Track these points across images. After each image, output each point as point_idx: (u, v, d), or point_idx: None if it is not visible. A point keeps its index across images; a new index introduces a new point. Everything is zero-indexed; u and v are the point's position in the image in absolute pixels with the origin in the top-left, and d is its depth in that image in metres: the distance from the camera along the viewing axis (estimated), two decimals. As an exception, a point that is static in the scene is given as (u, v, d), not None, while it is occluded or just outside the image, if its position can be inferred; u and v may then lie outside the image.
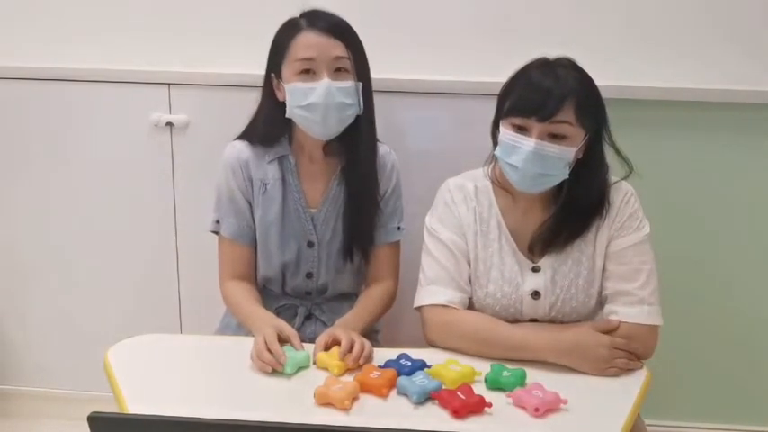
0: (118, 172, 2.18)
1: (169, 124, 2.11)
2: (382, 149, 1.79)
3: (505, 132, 1.54)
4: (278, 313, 1.76)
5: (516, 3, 1.99)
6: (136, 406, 1.34)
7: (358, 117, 1.70)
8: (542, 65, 1.56)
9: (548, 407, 1.33)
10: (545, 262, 1.61)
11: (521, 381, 1.41)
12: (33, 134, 2.18)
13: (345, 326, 1.60)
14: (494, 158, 1.64)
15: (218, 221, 1.77)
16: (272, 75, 1.71)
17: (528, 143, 1.50)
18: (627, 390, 1.43)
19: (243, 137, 1.77)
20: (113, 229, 2.23)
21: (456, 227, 1.63)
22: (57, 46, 2.10)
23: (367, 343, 1.51)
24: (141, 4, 2.07)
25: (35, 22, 2.10)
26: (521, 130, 1.52)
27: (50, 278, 2.30)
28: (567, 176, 1.55)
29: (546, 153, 1.50)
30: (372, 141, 1.75)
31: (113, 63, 2.09)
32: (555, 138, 1.51)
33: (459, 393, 1.34)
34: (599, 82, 1.57)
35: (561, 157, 1.51)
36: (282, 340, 1.52)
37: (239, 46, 1.99)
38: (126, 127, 2.14)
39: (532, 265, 1.61)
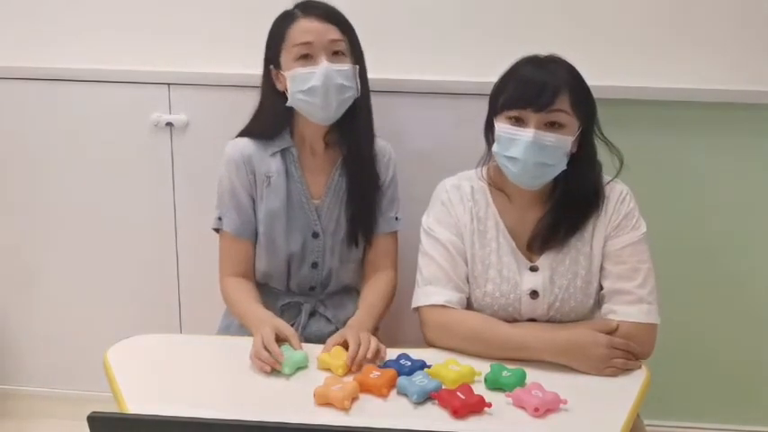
0: (118, 172, 2.18)
1: (169, 124, 2.11)
2: (380, 143, 1.82)
3: (502, 127, 1.55)
4: (282, 311, 1.78)
5: (516, 3, 1.99)
6: (135, 406, 1.34)
7: (356, 104, 1.72)
8: (532, 60, 1.58)
9: (547, 407, 1.33)
10: (543, 262, 1.61)
11: (520, 381, 1.41)
12: (33, 134, 2.18)
13: (359, 326, 1.60)
14: (487, 160, 1.65)
15: (220, 218, 1.78)
16: (271, 66, 1.73)
17: (526, 133, 1.51)
18: (626, 390, 1.43)
19: (244, 133, 1.78)
20: (113, 229, 2.23)
21: (453, 226, 1.63)
22: (57, 46, 2.10)
23: (375, 342, 1.51)
24: (141, 4, 2.07)
25: (35, 23, 2.10)
26: (518, 122, 1.53)
27: (51, 278, 2.30)
28: (566, 167, 1.55)
29: (544, 142, 1.51)
30: (369, 126, 1.78)
31: (113, 63, 2.09)
32: (552, 127, 1.52)
33: (458, 393, 1.34)
34: (596, 82, 1.58)
35: (559, 146, 1.52)
36: (281, 340, 1.53)
37: (239, 46, 1.99)
38: (126, 127, 2.14)
39: (530, 264, 1.61)
